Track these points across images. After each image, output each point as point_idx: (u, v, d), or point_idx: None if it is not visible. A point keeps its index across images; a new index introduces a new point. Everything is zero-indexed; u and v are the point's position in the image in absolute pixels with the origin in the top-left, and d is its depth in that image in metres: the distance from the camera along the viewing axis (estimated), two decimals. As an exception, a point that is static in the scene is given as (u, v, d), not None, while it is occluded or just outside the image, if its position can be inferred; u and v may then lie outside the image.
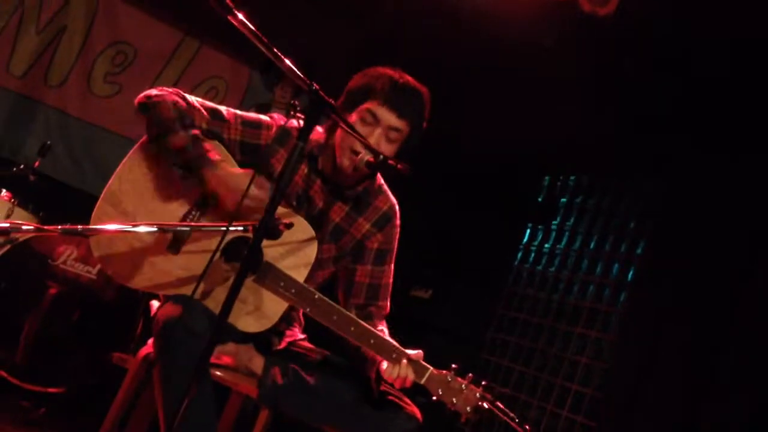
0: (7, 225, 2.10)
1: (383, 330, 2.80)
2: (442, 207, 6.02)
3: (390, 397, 2.77)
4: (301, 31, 5.33)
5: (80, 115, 5.54)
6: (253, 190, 2.44)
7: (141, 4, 5.65)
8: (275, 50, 2.03)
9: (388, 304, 3.00)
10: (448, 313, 5.65)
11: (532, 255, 5.75)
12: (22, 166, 4.37)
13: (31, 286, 4.30)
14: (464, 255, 5.92)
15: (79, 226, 2.31)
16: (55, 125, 5.45)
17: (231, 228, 2.26)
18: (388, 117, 2.71)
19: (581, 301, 5.18)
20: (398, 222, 3.00)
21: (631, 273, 4.97)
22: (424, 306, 5.76)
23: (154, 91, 2.72)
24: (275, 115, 2.90)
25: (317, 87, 2.12)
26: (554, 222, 5.69)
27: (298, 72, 2.11)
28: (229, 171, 2.62)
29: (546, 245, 5.67)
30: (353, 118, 2.74)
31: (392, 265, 3.01)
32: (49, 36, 5.44)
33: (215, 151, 2.67)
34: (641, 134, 4.86)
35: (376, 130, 2.72)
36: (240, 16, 1.93)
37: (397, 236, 3.00)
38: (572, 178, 5.72)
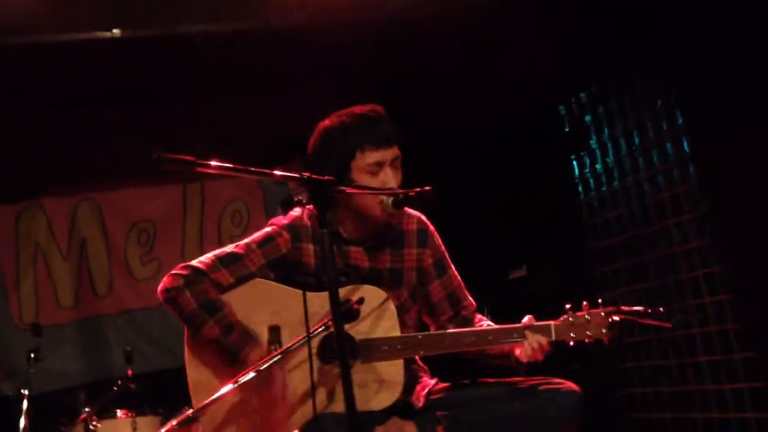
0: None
1: (488, 322, 2.92)
2: (490, 190, 6.03)
3: (542, 388, 2.79)
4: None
5: (141, 305, 5.71)
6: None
7: (131, 180, 5.81)
8: (257, 169, 2.09)
9: (471, 300, 3.09)
10: (550, 276, 5.62)
11: (592, 182, 5.69)
12: (119, 382, 4.50)
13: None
14: (533, 218, 5.89)
15: (189, 411, 2.38)
16: (125, 327, 5.63)
17: (312, 334, 2.31)
18: (386, 153, 2.75)
19: (657, 194, 5.10)
20: (432, 228, 3.05)
21: (685, 143, 4.89)
22: (526, 283, 5.74)
23: (167, 280, 2.78)
24: (274, 220, 2.93)
25: (308, 175, 2.17)
26: (591, 141, 5.65)
27: (288, 174, 2.17)
28: (264, 350, 2.69)
29: (597, 166, 5.62)
30: (360, 178, 2.74)
31: (452, 266, 3.07)
32: (75, 256, 5.65)
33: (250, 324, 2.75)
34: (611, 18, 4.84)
35: (387, 172, 2.75)
36: (213, 162, 1.99)
37: (440, 239, 3.06)
38: (582, 95, 5.67)
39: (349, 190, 2.40)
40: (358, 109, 2.80)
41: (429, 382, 2.99)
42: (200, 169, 1.94)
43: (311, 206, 2.20)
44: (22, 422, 4.26)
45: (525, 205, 5.95)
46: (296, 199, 2.26)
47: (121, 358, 4.74)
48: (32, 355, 4.50)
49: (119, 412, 4.40)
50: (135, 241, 5.82)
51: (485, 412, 2.78)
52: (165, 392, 4.74)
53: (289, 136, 5.24)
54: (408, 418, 2.82)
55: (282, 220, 2.91)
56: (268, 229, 2.91)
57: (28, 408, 4.33)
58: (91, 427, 4.21)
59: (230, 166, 2.03)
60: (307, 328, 2.27)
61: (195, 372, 2.81)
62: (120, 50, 4.53)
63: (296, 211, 2.92)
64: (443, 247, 3.06)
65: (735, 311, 4.64)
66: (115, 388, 4.48)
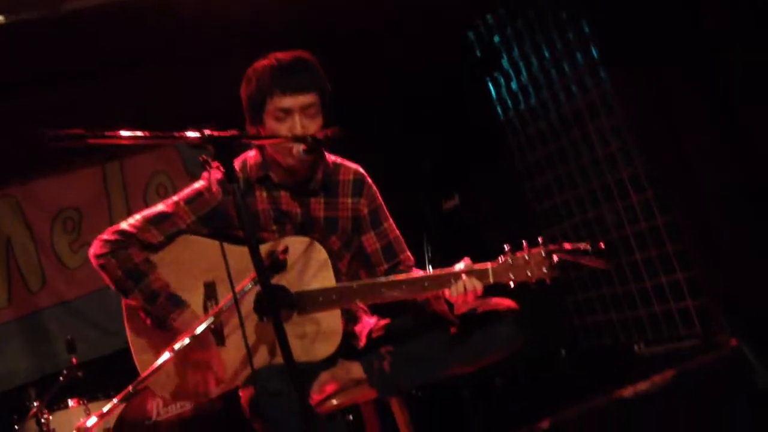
0: (74, 432, 2.14)
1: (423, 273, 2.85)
2: (413, 127, 6.02)
3: (480, 310, 2.81)
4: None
5: (77, 294, 5.60)
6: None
7: (48, 171, 5.66)
8: (153, 134, 2.05)
9: (409, 254, 3.05)
10: (483, 201, 5.67)
11: (509, 102, 5.72)
12: (65, 372, 4.44)
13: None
14: (459, 147, 5.92)
15: (130, 387, 2.36)
16: (65, 318, 5.51)
17: (239, 293, 2.30)
18: (294, 100, 2.72)
19: (575, 103, 5.15)
20: (370, 180, 3.03)
21: (593, 50, 4.93)
22: (460, 213, 5.78)
23: (95, 247, 2.79)
24: (205, 174, 2.91)
25: (209, 132, 2.13)
26: (503, 61, 5.66)
27: (187, 135, 2.13)
28: (189, 314, 2.70)
29: (512, 84, 5.64)
30: (269, 123, 2.75)
31: (391, 220, 3.05)
32: (2, 254, 5.50)
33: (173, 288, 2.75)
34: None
35: (294, 119, 2.73)
36: (106, 133, 1.94)
37: (377, 192, 3.03)
38: (488, 17, 5.66)
39: (254, 141, 2.36)
40: (279, 54, 2.78)
41: (369, 322, 3.01)
42: (92, 141, 1.89)
43: (217, 163, 2.15)
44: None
45: (449, 136, 5.96)
46: (201, 159, 2.20)
47: (63, 348, 4.64)
48: (-30, 361, 4.40)
49: (71, 402, 4.35)
50: (61, 231, 5.69)
51: (429, 341, 2.81)
52: (116, 375, 4.68)
53: (201, 107, 5.16)
54: (353, 359, 2.84)
55: (215, 174, 2.86)
56: (197, 184, 2.89)
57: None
58: (42, 420, 4.15)
59: (125, 134, 1.98)
60: (232, 285, 2.24)
61: (134, 333, 2.82)
62: (8, 36, 4.35)
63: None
64: (381, 200, 3.04)
65: (662, 206, 4.75)
66: (61, 379, 4.41)
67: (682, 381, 1.75)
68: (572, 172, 5.29)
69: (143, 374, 2.38)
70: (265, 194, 2.87)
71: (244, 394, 2.63)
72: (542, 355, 5.42)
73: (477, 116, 5.91)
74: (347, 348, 2.86)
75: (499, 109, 5.82)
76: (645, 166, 4.77)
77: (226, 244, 2.66)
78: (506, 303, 2.83)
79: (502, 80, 5.75)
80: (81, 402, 4.34)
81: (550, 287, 5.43)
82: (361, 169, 3.03)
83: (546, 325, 5.44)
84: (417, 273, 2.89)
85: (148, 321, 2.77)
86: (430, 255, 5.73)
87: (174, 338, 2.56)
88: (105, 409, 2.26)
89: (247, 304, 2.73)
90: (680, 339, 4.79)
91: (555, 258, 2.64)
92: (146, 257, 2.78)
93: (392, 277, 2.75)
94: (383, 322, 3.00)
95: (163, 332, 2.74)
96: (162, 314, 2.71)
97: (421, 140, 6.00)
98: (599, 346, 5.49)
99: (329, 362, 2.81)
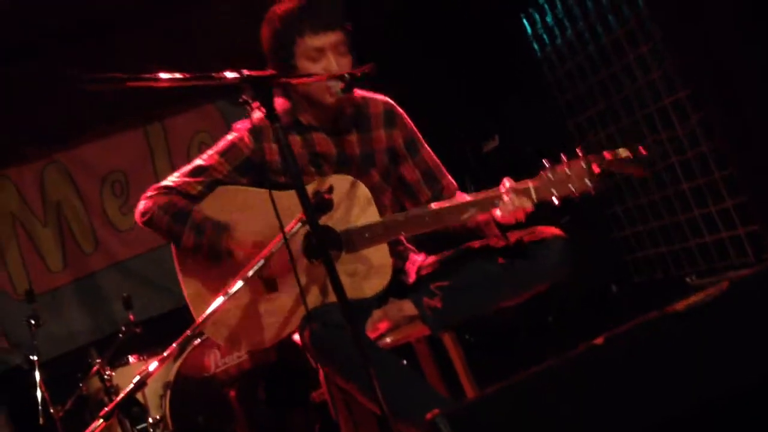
0: (138, 378, 2.20)
1: (469, 197, 2.79)
2: (449, 68, 5.96)
3: (527, 239, 2.78)
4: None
5: (130, 255, 5.72)
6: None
7: (91, 135, 5.73)
8: (192, 75, 2.06)
9: (451, 179, 3.02)
10: (524, 141, 5.61)
11: (546, 37, 5.63)
12: (124, 329, 4.53)
13: (217, 407, 4.47)
14: (497, 87, 5.86)
15: (188, 331, 2.40)
16: (120, 279, 5.64)
17: (288, 236, 2.32)
18: (326, 39, 2.70)
19: (611, 34, 5.06)
20: (400, 110, 2.99)
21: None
22: (501, 152, 5.74)
23: (140, 205, 2.82)
24: (236, 125, 2.92)
25: (246, 72, 2.14)
26: (538, -3, 5.58)
27: (223, 75, 2.13)
28: (243, 229, 2.73)
29: (547, 18, 5.55)
30: (302, 64, 2.73)
31: (427, 147, 3.01)
32: (54, 220, 5.62)
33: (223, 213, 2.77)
34: None
35: (329, 57, 2.71)
36: (145, 75, 1.95)
37: (409, 120, 3.00)
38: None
39: (293, 80, 2.36)
40: None
41: (417, 258, 3.01)
42: (130, 84, 1.91)
43: (257, 103, 2.16)
44: (39, 394, 4.28)
45: (486, 76, 5.90)
46: (241, 99, 2.21)
47: (122, 309, 4.74)
48: (33, 322, 4.48)
49: (131, 358, 4.46)
50: (110, 194, 5.79)
51: (477, 274, 2.79)
52: (173, 332, 4.77)
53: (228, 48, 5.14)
54: (404, 297, 2.85)
55: (246, 123, 2.87)
56: (230, 136, 2.90)
57: (42, 378, 4.33)
58: (105, 376, 4.26)
59: (164, 76, 1.99)
60: (282, 228, 2.26)
61: (189, 286, 2.85)
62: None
63: (257, 114, 2.88)
64: (414, 128, 3.00)
65: (707, 133, 4.66)
66: (120, 335, 4.51)
67: (736, 290, 1.73)
68: (614, 104, 5.20)
69: (198, 320, 2.42)
70: (298, 138, 2.86)
71: (303, 336, 2.65)
72: (593, 291, 5.40)
73: (514, 54, 5.83)
74: (397, 286, 2.87)
75: (535, 45, 5.74)
76: (688, 93, 4.68)
77: (264, 190, 2.68)
78: (552, 231, 2.79)
79: (536, 15, 5.66)
80: (141, 358, 4.44)
81: (600, 223, 5.42)
82: (389, 100, 2.99)
83: (596, 261, 5.40)
84: (462, 198, 2.81)
85: (205, 259, 2.77)
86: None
87: (230, 270, 2.61)
88: (166, 353, 2.31)
89: (295, 247, 2.74)
90: (733, 268, 4.73)
91: (595, 168, 2.54)
92: (189, 203, 2.81)
93: (437, 205, 2.72)
94: (431, 258, 2.99)
95: (217, 276, 2.77)
96: (213, 241, 2.73)
97: (458, 83, 5.95)
98: (651, 280, 5.45)
99: (381, 301, 2.83)
